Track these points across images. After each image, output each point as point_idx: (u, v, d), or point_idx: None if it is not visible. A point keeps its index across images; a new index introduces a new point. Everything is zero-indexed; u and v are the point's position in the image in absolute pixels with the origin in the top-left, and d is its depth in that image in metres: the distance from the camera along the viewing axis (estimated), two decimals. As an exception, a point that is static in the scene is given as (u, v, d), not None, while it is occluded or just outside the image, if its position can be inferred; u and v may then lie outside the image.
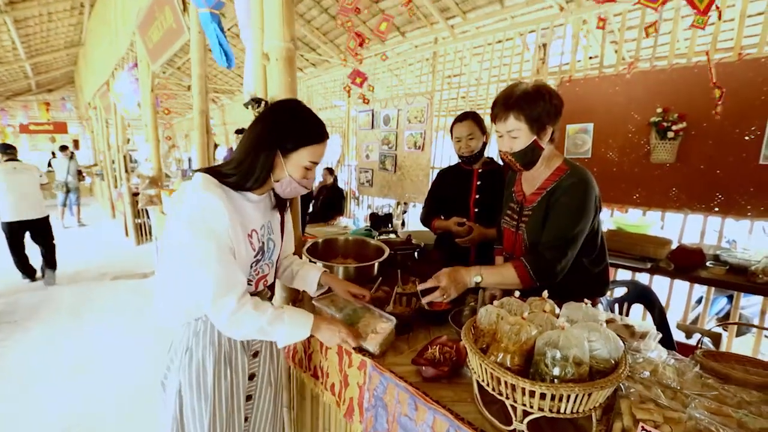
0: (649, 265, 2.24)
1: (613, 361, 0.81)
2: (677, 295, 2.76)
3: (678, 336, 2.34)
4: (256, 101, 1.41)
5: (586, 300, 0.98)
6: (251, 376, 1.18)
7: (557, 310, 1.01)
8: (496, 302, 1.04)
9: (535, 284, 1.17)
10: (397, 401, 1.02)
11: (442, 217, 2.05)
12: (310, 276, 1.33)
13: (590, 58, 3.14)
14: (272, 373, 1.24)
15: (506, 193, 1.51)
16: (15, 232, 4.32)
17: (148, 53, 3.20)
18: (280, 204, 1.18)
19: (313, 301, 1.46)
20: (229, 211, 0.95)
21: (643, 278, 2.70)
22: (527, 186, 1.38)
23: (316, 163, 1.05)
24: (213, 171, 1.02)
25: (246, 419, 1.19)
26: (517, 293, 1.06)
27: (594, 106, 2.87)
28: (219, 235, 0.94)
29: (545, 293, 1.04)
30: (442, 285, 1.18)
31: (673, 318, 2.83)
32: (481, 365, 0.85)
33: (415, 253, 1.96)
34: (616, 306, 1.78)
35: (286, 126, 1.01)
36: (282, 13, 1.45)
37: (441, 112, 4.49)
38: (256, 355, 1.19)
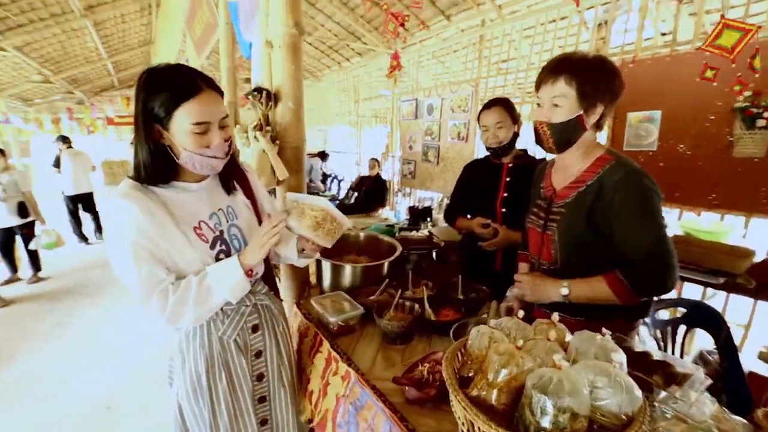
0: (722, 281, 1.87)
1: (624, 417, 0.62)
2: (764, 316, 2.30)
3: (761, 367, 1.94)
4: (257, 91, 1.35)
5: (604, 329, 0.79)
6: (260, 377, 1.12)
7: (568, 337, 0.83)
8: (492, 322, 0.88)
9: (636, 299, 1.00)
10: (370, 424, 0.91)
11: (469, 216, 1.87)
12: (290, 242, 1.17)
13: (662, 34, 2.70)
14: (285, 375, 1.16)
15: (533, 191, 1.31)
16: (75, 203, 5.69)
17: (195, 46, 3.34)
18: (225, 184, 1.07)
19: (312, 301, 1.39)
20: (148, 213, 0.88)
21: (719, 297, 2.29)
22: (558, 179, 1.18)
23: (204, 123, 0.88)
24: None
25: (265, 422, 1.13)
26: (521, 313, 0.89)
27: (663, 90, 2.46)
28: (135, 241, 0.87)
29: (555, 315, 0.86)
30: (523, 291, 1.12)
31: (756, 344, 2.38)
32: (456, 398, 0.71)
33: (434, 254, 1.81)
34: (669, 330, 1.49)
35: (151, 94, 0.86)
36: (286, -2, 1.37)
37: (487, 100, 4.19)
38: (259, 354, 1.12)
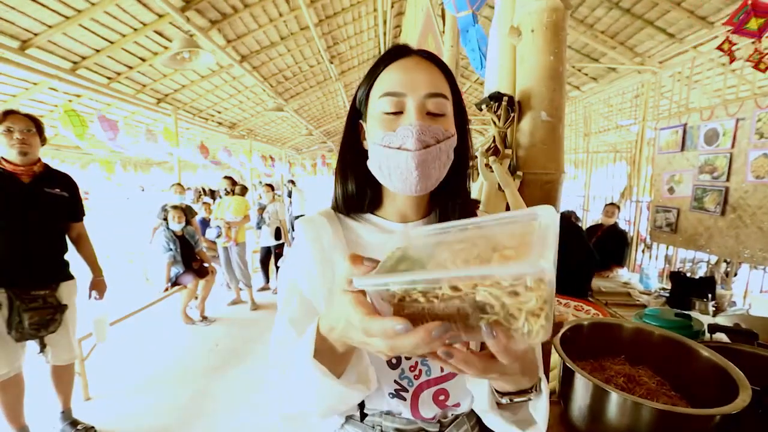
0: None
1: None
2: None
3: None
4: (494, 98, 0.90)
5: None
6: None
7: None
8: None
9: None
10: None
11: None
12: None
13: None
14: None
15: None
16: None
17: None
18: None
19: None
20: (319, 248, 0.61)
21: None
22: None
23: (396, 96, 0.54)
24: None
25: None
26: None
27: None
28: (293, 274, 0.63)
29: None
30: None
31: None
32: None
33: None
34: None
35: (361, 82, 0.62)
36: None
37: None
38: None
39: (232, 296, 4.75)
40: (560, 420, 1.02)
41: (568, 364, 0.91)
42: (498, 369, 0.39)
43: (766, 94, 2.70)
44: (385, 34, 5.68)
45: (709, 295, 2.50)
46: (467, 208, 0.65)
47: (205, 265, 4.22)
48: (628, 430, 0.81)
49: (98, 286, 2.23)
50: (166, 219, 3.97)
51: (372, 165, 0.59)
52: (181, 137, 5.04)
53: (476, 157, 0.92)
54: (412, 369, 0.60)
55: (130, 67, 3.94)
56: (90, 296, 2.22)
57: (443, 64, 0.59)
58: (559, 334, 1.01)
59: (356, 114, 0.62)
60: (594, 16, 3.81)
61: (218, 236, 4.57)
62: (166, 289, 3.77)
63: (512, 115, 0.91)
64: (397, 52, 0.57)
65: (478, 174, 0.94)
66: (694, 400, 0.90)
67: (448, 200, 0.63)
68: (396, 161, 0.54)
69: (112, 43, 3.45)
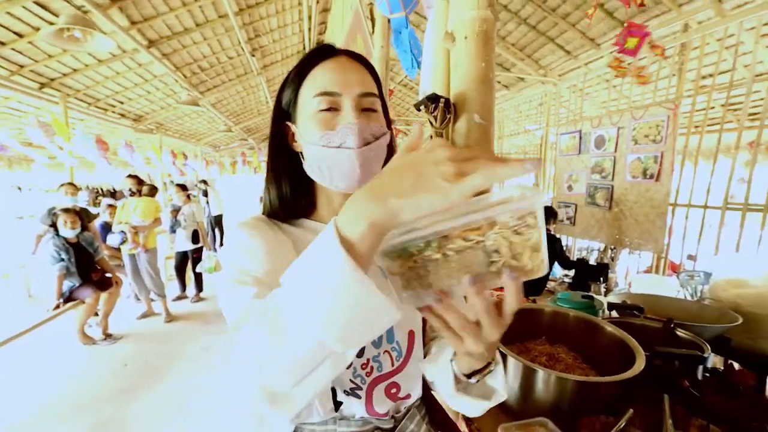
0: None
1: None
2: None
3: None
4: (431, 100, 0.94)
5: None
6: None
7: None
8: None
9: None
10: None
11: None
12: (444, 353, 0.59)
13: None
14: None
15: None
16: (214, 222, 7.04)
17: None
18: None
19: (501, 430, 0.85)
20: (266, 240, 0.56)
21: None
22: None
23: (331, 95, 0.54)
24: None
25: None
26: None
27: None
28: (241, 268, 0.53)
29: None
30: None
31: None
32: None
33: (701, 367, 1.06)
34: None
35: (283, 84, 0.61)
36: (480, -32, 0.97)
37: (691, 128, 3.18)
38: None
39: (142, 309, 4.25)
40: (494, 401, 1.10)
41: (501, 350, 0.98)
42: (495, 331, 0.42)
43: (638, 107, 3.21)
44: (309, 29, 5.55)
45: (601, 278, 2.90)
46: None
47: (108, 275, 3.72)
48: (554, 401, 0.91)
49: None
50: (54, 225, 3.40)
51: (310, 166, 0.59)
52: (72, 129, 4.35)
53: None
54: (364, 367, 0.61)
55: (2, 43, 3.29)
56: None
57: (369, 64, 0.61)
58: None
59: (282, 116, 0.61)
60: (506, 29, 4.18)
61: (122, 242, 4.05)
62: (58, 306, 3.24)
63: (449, 116, 0.96)
64: (324, 52, 0.58)
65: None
66: (600, 369, 1.04)
67: None
68: (338, 160, 0.54)
69: (-26, 12, 2.85)
